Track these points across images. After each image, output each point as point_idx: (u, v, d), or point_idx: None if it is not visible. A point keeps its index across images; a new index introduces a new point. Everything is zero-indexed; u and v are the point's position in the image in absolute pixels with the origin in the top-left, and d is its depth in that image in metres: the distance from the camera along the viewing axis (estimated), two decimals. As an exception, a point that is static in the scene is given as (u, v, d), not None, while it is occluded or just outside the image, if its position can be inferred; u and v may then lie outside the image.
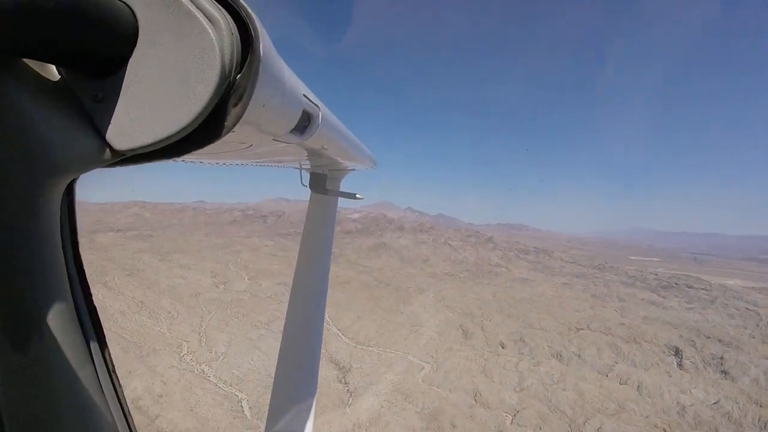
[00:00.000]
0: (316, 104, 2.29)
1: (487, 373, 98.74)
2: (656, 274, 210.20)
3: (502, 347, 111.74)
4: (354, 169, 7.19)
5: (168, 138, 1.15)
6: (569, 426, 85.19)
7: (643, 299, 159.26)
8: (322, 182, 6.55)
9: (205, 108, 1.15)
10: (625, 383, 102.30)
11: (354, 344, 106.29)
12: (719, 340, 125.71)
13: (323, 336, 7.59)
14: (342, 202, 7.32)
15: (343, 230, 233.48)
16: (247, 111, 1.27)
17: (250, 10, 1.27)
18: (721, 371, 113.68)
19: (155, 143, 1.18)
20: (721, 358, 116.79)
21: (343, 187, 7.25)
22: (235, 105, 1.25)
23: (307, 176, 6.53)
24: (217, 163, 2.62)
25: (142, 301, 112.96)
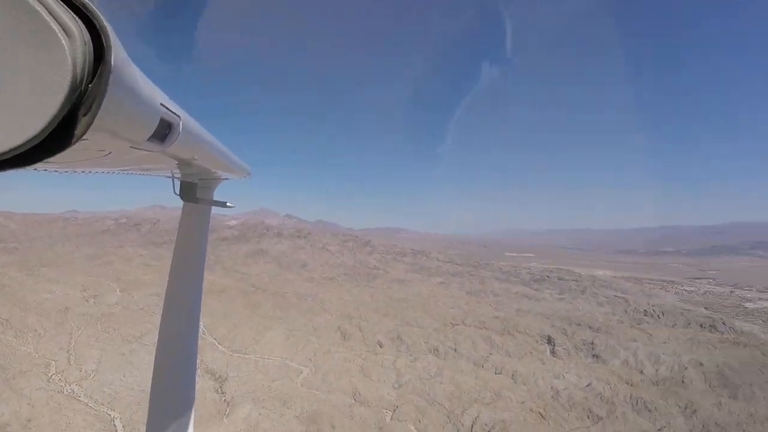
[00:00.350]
0: (176, 113, 2.37)
1: (365, 372, 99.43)
2: (529, 269, 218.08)
3: (380, 346, 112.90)
4: (227, 179, 7.11)
5: (17, 147, 1.13)
6: (447, 417, 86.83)
7: (516, 293, 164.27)
8: (193, 191, 6.68)
9: (54, 117, 1.14)
10: (501, 373, 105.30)
11: (231, 353, 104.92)
12: (589, 327, 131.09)
13: (198, 347, 7.46)
14: (219, 209, 7.29)
15: (219, 237, 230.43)
16: (98, 119, 1.29)
17: (105, 22, 1.28)
18: (593, 355, 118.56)
19: (4, 153, 1.27)
20: (592, 343, 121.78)
21: (217, 195, 7.56)
22: (86, 114, 1.25)
23: (179, 185, 6.45)
24: (83, 171, 2.65)
25: (7, 320, 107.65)
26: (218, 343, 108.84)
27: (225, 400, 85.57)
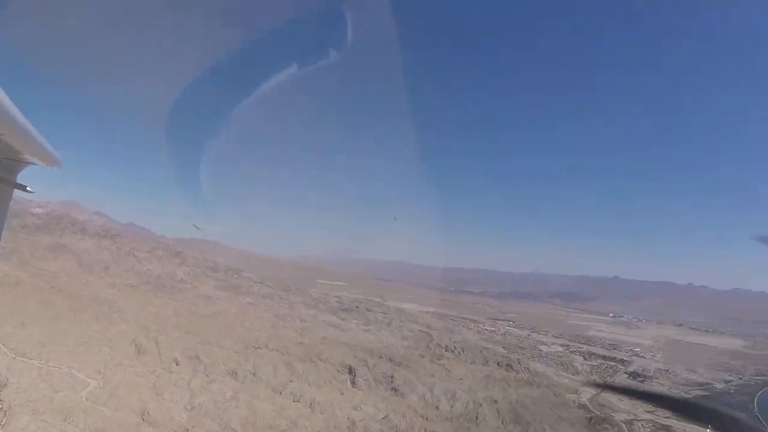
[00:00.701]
0: None
1: (157, 390, 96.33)
2: (339, 298, 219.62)
3: (176, 364, 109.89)
4: (33, 163, 6.91)
5: None
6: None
7: (324, 321, 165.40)
8: None
9: None
10: (299, 400, 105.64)
11: (14, 355, 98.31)
12: (391, 360, 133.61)
13: None
14: (26, 194, 6.71)
15: (21, 224, 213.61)
16: None
17: None
18: (392, 388, 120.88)
19: None
20: (392, 376, 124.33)
21: (21, 179, 7.39)
22: None
23: None
24: None
25: None
26: (1, 344, 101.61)
27: (2, 408, 79.97)
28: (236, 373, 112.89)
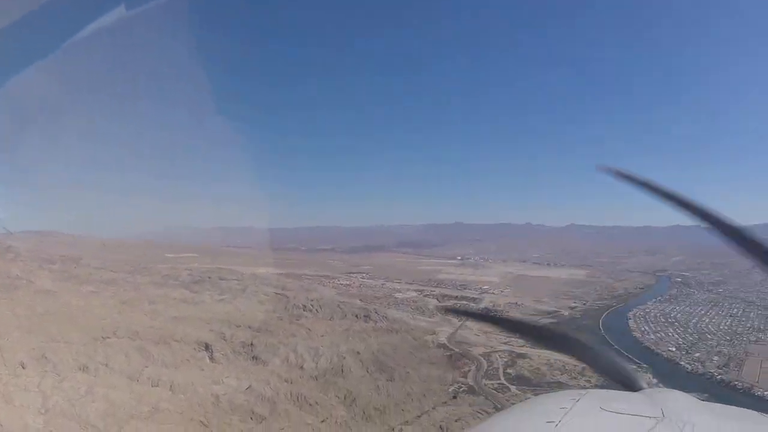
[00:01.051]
0: None
1: (6, 398, 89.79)
2: (190, 271, 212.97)
3: (23, 367, 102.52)
4: None
5: None
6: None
7: (175, 298, 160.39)
8: None
9: None
10: (157, 385, 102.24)
11: None
12: (249, 327, 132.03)
13: None
14: None
15: None
16: None
17: None
18: (252, 357, 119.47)
19: None
20: (251, 344, 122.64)
21: None
22: None
23: None
24: None
25: None
26: None
27: None
28: (87, 367, 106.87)
